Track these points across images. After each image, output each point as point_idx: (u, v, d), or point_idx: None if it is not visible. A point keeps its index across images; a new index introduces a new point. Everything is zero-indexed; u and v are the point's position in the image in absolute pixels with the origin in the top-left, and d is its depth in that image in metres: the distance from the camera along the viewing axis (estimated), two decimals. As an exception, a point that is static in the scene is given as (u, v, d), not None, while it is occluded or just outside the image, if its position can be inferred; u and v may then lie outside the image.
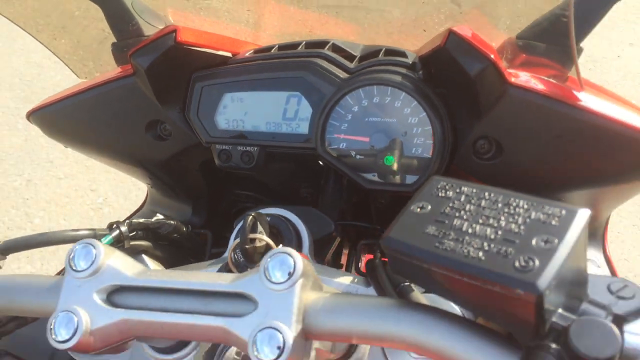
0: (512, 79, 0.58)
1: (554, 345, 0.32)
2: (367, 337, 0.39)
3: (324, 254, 0.68)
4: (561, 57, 0.64)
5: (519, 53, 0.66)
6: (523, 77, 0.60)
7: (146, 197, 0.96)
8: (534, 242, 0.34)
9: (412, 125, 0.65)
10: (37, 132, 0.83)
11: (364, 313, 0.39)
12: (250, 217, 0.58)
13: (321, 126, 0.68)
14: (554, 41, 0.64)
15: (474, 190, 0.38)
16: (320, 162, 0.71)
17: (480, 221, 0.36)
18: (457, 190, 0.38)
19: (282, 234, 0.63)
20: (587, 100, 0.58)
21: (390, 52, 0.69)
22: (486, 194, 0.37)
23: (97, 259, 0.43)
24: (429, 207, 0.38)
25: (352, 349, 0.51)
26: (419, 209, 0.38)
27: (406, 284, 0.54)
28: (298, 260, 0.40)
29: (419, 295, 0.52)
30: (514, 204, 0.36)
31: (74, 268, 0.43)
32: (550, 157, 0.61)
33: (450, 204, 0.38)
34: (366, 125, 0.67)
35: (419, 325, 0.37)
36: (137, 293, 0.43)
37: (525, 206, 0.36)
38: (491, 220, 0.36)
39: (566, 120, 0.58)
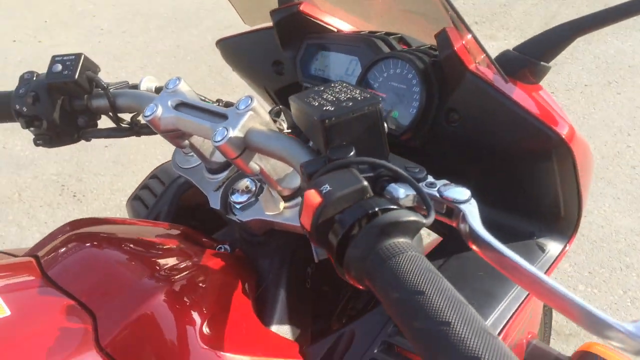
0: (470, 67, 0.82)
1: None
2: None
3: None
4: (534, 70, 0.84)
5: (505, 60, 0.87)
6: (483, 70, 0.83)
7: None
8: (343, 103, 0.62)
9: (413, 93, 0.92)
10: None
11: (276, 142, 0.71)
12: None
13: (363, 82, 0.99)
14: (536, 56, 0.84)
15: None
16: None
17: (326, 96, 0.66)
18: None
19: None
20: (519, 96, 0.79)
21: (427, 46, 0.97)
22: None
23: (177, 86, 0.83)
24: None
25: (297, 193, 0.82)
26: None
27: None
28: (255, 102, 0.73)
29: None
30: (344, 89, 0.65)
31: (166, 87, 0.84)
32: (492, 129, 0.82)
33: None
34: (387, 87, 0.95)
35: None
36: (184, 107, 0.81)
37: (350, 88, 0.64)
38: (332, 96, 0.65)
39: (500, 105, 0.80)
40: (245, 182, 0.86)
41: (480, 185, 0.76)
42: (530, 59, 0.82)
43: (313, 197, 0.51)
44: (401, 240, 0.48)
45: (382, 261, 0.45)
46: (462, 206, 0.55)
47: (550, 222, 0.80)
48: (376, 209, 0.49)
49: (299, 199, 0.80)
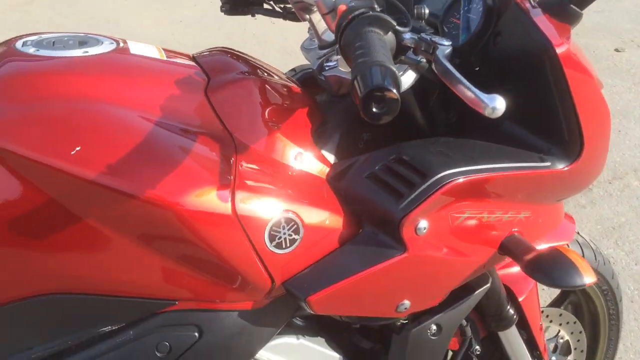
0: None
1: None
2: None
3: None
4: (566, 12, 0.91)
5: None
6: (524, 3, 0.89)
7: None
8: None
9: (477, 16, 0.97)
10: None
11: None
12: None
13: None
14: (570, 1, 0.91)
15: None
16: None
17: None
18: None
19: None
20: (544, 24, 0.85)
21: None
22: None
23: None
24: None
25: None
26: None
27: None
28: None
29: None
30: None
31: None
32: (519, 50, 0.88)
33: None
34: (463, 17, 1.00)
35: None
36: None
37: None
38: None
39: (528, 28, 0.86)
40: (337, 56, 1.00)
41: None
42: (565, 1, 0.90)
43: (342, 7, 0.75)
44: (377, 29, 0.71)
45: (358, 33, 0.69)
46: (439, 44, 0.75)
47: (556, 144, 0.87)
48: (369, 12, 0.71)
49: None
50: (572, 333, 1.38)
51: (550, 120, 0.86)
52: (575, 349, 1.41)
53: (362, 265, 0.77)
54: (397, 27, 0.75)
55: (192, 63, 0.93)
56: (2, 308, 0.73)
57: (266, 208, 0.73)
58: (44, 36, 0.87)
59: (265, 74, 0.95)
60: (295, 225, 0.75)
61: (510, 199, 0.87)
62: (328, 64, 0.99)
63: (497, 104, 0.68)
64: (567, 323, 1.37)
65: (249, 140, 0.79)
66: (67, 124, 0.71)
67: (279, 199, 0.75)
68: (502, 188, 0.84)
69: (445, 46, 0.76)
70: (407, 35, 0.77)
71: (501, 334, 1.15)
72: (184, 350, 0.77)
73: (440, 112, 0.95)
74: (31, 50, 0.81)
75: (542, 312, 1.32)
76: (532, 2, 0.87)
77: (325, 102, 1.02)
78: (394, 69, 0.62)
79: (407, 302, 0.83)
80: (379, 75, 0.61)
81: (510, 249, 0.86)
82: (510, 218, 0.87)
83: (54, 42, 0.84)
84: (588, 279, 0.81)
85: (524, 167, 0.84)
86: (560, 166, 0.87)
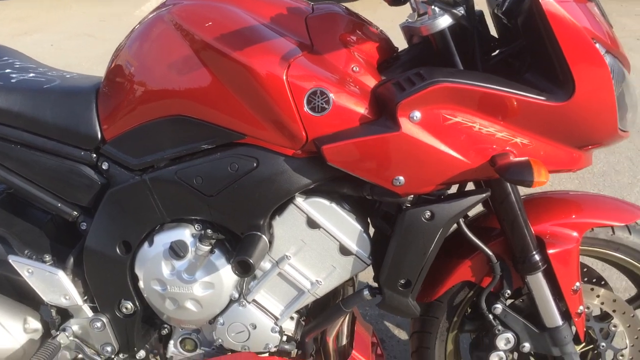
0: None
1: None
2: None
3: None
4: None
5: None
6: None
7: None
8: None
9: None
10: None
11: None
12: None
13: None
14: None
15: None
16: None
17: None
18: None
19: None
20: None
21: None
22: None
23: None
24: None
25: None
26: None
27: None
28: None
29: None
30: None
31: None
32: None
33: None
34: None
35: None
36: None
37: None
38: None
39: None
40: None
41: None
42: None
43: None
44: None
45: None
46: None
47: (554, 84, 1.05)
48: None
49: None
50: (629, 326, 1.40)
51: (549, 63, 1.06)
52: (632, 345, 1.41)
53: (367, 134, 1.08)
54: None
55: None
56: (146, 124, 1.22)
57: (309, 82, 1.10)
58: None
59: (361, 22, 1.31)
60: (327, 98, 1.09)
61: (503, 119, 1.08)
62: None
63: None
64: (624, 313, 1.39)
65: (323, 49, 1.16)
66: (210, 10, 1.19)
67: (320, 78, 1.10)
68: (491, 105, 1.06)
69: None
70: None
71: (529, 279, 1.29)
72: (245, 173, 1.17)
73: (477, 58, 1.20)
74: None
75: (593, 289, 1.39)
76: None
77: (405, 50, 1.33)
78: None
79: (401, 178, 1.10)
80: None
81: (496, 161, 1.07)
82: (503, 137, 1.08)
83: None
84: (539, 178, 0.99)
85: (516, 93, 1.05)
86: (554, 101, 1.05)
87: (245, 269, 1.17)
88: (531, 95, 1.06)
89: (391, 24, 1.63)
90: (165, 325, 1.45)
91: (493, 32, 1.26)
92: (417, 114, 1.06)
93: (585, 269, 1.46)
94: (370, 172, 1.12)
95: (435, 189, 1.13)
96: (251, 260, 1.15)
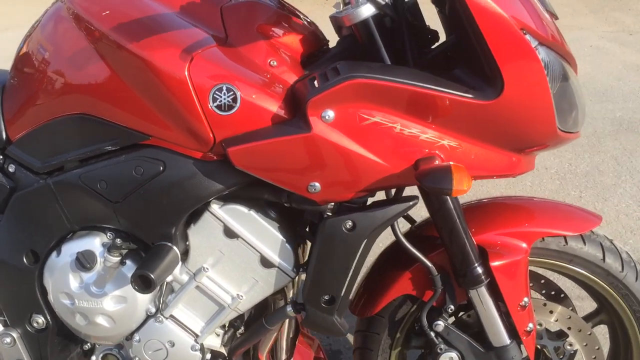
0: None
1: None
2: None
3: None
4: None
5: None
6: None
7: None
8: None
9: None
10: None
11: None
12: None
13: None
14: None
15: None
16: None
17: None
18: None
19: None
20: None
21: None
22: None
23: None
24: None
25: None
26: None
27: None
28: None
29: None
30: None
31: None
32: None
33: None
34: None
35: None
36: None
37: None
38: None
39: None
40: None
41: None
42: None
43: None
44: None
45: None
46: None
47: (483, 81, 0.94)
48: None
49: None
50: (585, 345, 1.28)
51: (477, 58, 0.94)
52: (589, 366, 1.30)
53: (276, 135, 0.97)
54: None
55: None
56: (49, 123, 1.11)
57: (214, 77, 0.99)
58: None
59: (286, 12, 1.20)
60: (234, 95, 0.98)
61: (429, 119, 0.96)
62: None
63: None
64: (580, 331, 1.28)
65: (237, 41, 1.05)
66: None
67: (226, 75, 0.99)
68: (412, 104, 0.95)
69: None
70: None
71: (471, 293, 1.18)
72: (151, 177, 1.06)
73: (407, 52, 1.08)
74: None
75: (545, 305, 1.27)
76: None
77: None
78: None
79: (317, 184, 0.99)
80: None
81: (419, 165, 0.96)
82: (428, 139, 0.97)
83: None
84: (458, 186, 0.87)
85: (440, 90, 0.94)
86: (483, 100, 0.94)
87: (145, 284, 1.06)
88: (456, 93, 0.94)
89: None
90: (87, 341, 1.35)
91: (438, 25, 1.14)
92: (329, 113, 0.95)
93: (542, 281, 1.34)
94: (283, 177, 1.01)
95: (355, 196, 1.02)
96: (152, 275, 1.04)
